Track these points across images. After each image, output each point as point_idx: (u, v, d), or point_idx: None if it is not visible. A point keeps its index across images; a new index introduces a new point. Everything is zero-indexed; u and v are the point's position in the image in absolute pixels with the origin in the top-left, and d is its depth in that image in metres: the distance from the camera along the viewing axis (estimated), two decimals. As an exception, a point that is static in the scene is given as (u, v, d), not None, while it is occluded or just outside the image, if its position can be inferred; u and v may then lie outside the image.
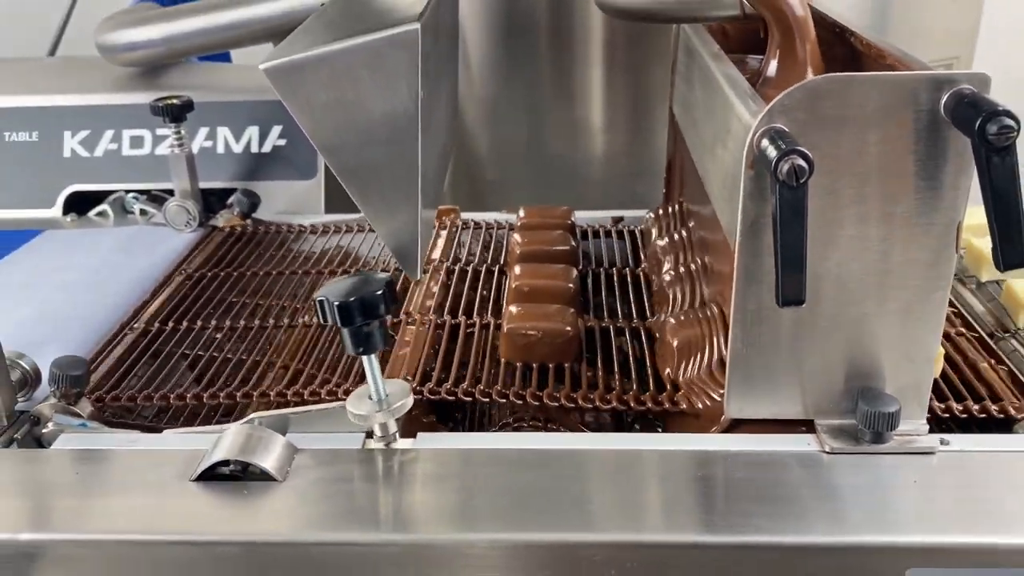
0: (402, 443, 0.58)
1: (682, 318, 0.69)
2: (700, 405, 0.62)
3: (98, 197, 1.00)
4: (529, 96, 1.16)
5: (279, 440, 0.57)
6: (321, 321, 0.54)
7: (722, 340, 0.63)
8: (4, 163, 1.01)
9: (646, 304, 0.78)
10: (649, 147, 1.15)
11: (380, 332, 0.55)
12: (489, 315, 0.76)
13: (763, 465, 0.54)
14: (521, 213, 0.91)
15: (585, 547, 0.49)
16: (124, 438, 0.60)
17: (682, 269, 0.76)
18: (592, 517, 0.51)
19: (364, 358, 0.56)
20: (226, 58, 1.25)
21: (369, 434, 0.58)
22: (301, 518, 0.52)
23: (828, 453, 0.55)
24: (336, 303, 0.53)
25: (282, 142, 0.99)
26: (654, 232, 0.86)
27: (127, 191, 1.00)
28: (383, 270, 0.86)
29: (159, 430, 0.62)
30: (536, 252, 0.82)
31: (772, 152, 0.47)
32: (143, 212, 0.99)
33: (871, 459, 0.54)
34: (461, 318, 0.75)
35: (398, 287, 0.81)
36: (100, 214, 0.98)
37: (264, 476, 0.55)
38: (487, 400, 0.65)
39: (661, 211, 0.89)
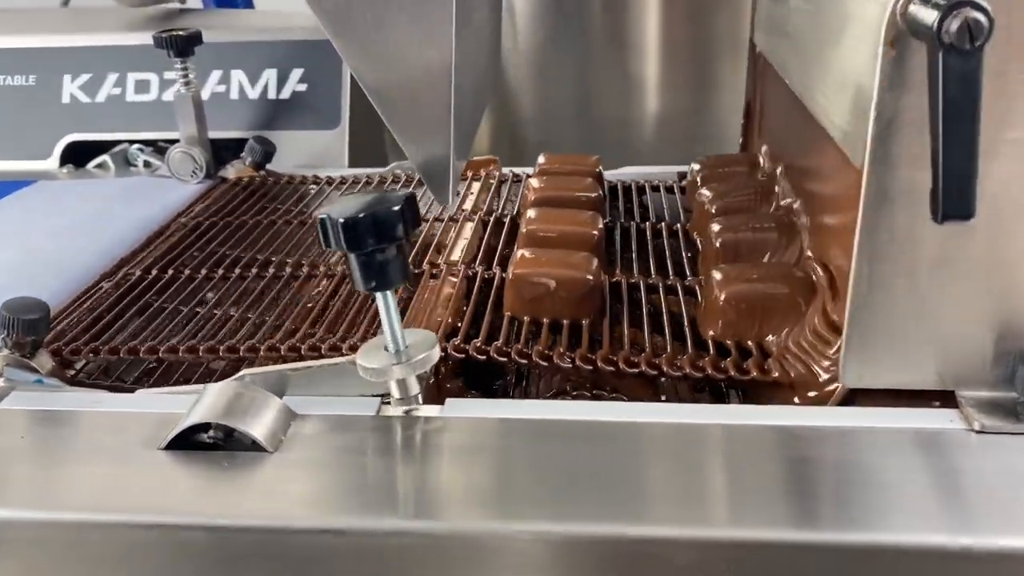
0: (426, 410, 0.46)
1: (754, 275, 0.56)
2: (800, 371, 0.49)
3: (99, 148, 0.90)
4: (578, 48, 1.04)
5: (273, 402, 0.46)
6: (323, 245, 0.42)
7: (828, 300, 0.50)
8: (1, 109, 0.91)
9: (685, 263, 0.66)
10: (712, 106, 1.03)
11: (398, 262, 0.43)
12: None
13: (888, 447, 0.42)
14: (541, 160, 0.79)
15: (652, 543, 0.37)
16: (86, 398, 0.49)
17: (763, 224, 0.63)
18: (660, 506, 0.39)
19: (378, 296, 0.44)
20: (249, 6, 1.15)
21: (385, 399, 0.47)
22: (292, 498, 0.40)
23: (979, 432, 0.42)
24: (341, 221, 0.41)
25: (302, 87, 0.88)
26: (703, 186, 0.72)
27: (131, 141, 0.89)
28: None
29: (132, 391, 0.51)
30: (553, 198, 0.70)
31: (930, 13, 0.34)
32: (147, 164, 0.88)
33: (1035, 442, 0.41)
34: (496, 269, 0.63)
35: (419, 241, 0.70)
36: (100, 166, 0.88)
37: (252, 446, 0.43)
38: (525, 362, 0.52)
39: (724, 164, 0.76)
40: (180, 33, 0.78)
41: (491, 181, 0.81)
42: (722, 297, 0.54)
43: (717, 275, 0.55)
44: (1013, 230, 0.41)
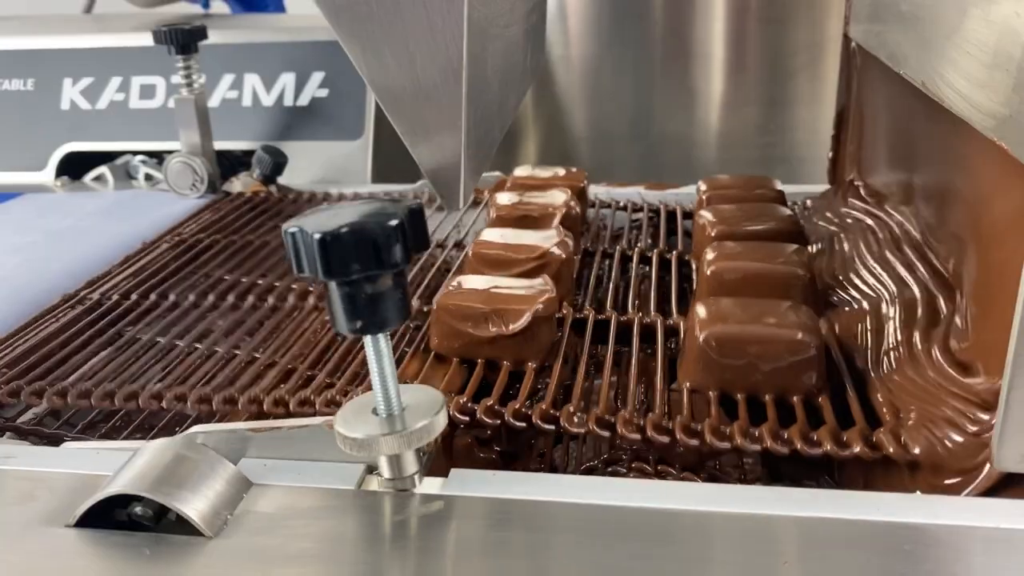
0: (424, 485, 0.34)
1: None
2: (928, 448, 0.36)
3: (98, 159, 0.81)
4: (636, 58, 0.92)
5: (223, 470, 0.35)
6: (295, 271, 0.31)
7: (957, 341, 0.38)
8: (-6, 116, 0.83)
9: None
10: (786, 124, 0.91)
11: (396, 295, 0.32)
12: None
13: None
14: (516, 172, 0.67)
15: None
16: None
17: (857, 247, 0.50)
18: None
19: (367, 340, 0.33)
20: (280, 9, 1.06)
21: (371, 468, 0.35)
22: (222, 611, 0.29)
23: None
24: (317, 237, 0.30)
25: (323, 92, 0.78)
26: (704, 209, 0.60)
27: (133, 152, 0.80)
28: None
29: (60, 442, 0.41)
30: (518, 217, 0.58)
31: None
32: (148, 178, 0.79)
33: None
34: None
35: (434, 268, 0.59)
36: (98, 178, 0.79)
37: (188, 528, 0.32)
38: (552, 428, 0.40)
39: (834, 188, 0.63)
40: (183, 26, 0.69)
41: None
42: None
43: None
44: None
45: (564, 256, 0.51)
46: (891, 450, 0.37)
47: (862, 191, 0.58)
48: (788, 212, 0.57)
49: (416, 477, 0.34)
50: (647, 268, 0.58)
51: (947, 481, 0.35)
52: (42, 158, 0.80)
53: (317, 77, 0.78)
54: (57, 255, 0.60)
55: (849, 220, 0.56)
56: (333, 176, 0.77)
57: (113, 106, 0.81)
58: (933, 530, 0.31)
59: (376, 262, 0.31)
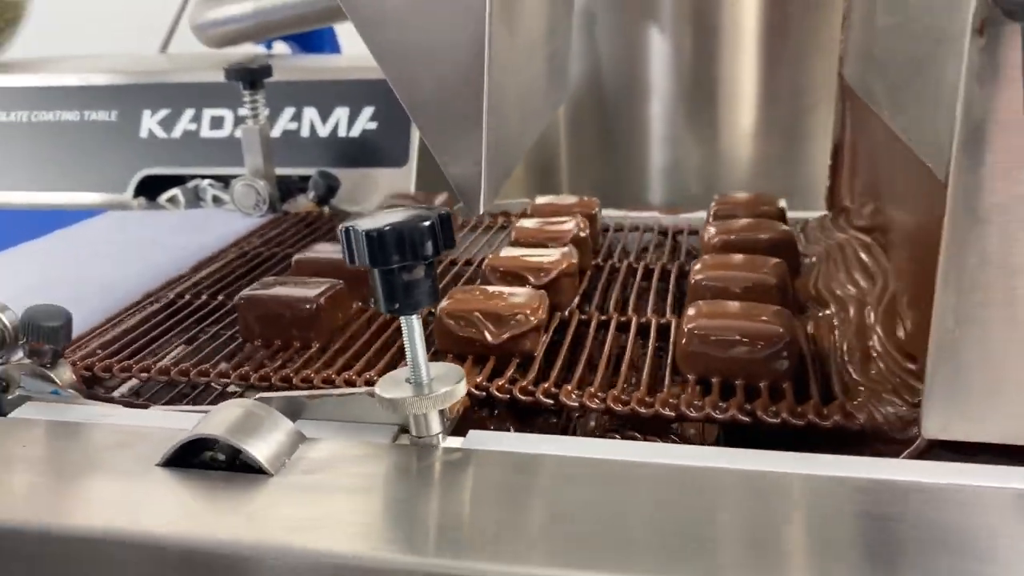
0: (447, 442, 0.42)
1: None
2: (872, 419, 0.43)
3: (171, 182, 0.90)
4: (665, 94, 1.00)
5: (283, 424, 0.42)
6: (347, 261, 0.39)
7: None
8: (81, 143, 0.93)
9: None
10: (806, 156, 0.97)
11: (427, 283, 0.40)
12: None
13: (971, 507, 0.35)
14: (539, 200, 0.75)
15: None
16: (97, 411, 0.47)
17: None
18: (716, 556, 0.33)
19: (403, 320, 0.40)
20: (335, 50, 1.16)
21: (404, 430, 0.43)
22: (280, 523, 0.36)
23: (1093, 498, 0.35)
24: (364, 232, 0.38)
25: (372, 125, 0.86)
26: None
27: (202, 176, 0.89)
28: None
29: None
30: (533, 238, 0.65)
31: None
32: (216, 200, 0.88)
33: None
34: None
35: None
36: (171, 199, 0.88)
37: (254, 468, 0.40)
38: (552, 403, 0.48)
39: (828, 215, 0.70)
40: (250, 66, 0.78)
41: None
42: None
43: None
44: None
45: (565, 267, 0.58)
46: (838, 419, 0.43)
47: (851, 216, 0.65)
48: (783, 227, 0.64)
49: (440, 436, 0.41)
50: (651, 280, 0.65)
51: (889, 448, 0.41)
52: (123, 181, 0.90)
53: (368, 111, 0.87)
54: (139, 260, 0.68)
55: (836, 241, 0.62)
56: (380, 199, 0.85)
57: (186, 135, 0.90)
58: (870, 484, 0.37)
59: (412, 254, 0.38)
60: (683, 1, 0.99)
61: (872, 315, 0.48)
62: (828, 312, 0.55)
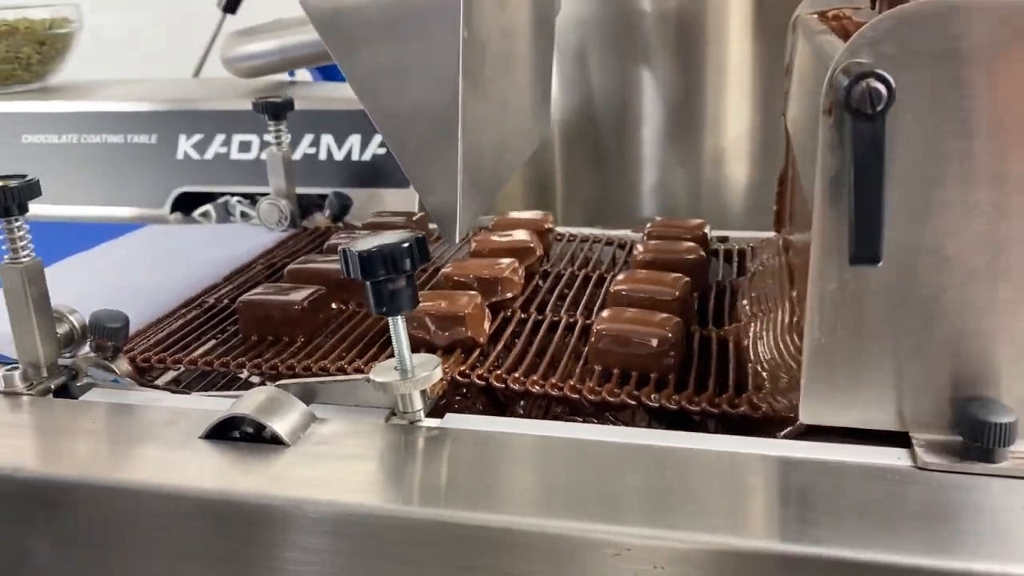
0: (428, 422, 0.52)
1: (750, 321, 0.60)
2: (770, 406, 0.53)
3: (204, 199, 1.02)
4: (652, 119, 1.11)
5: (299, 406, 0.53)
6: (345, 275, 0.50)
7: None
8: (124, 163, 1.04)
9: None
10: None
11: (408, 292, 0.51)
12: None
13: (841, 475, 0.45)
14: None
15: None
16: (150, 396, 0.58)
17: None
18: (622, 508, 0.43)
19: (390, 321, 0.51)
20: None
21: (394, 412, 0.53)
22: (299, 480, 0.47)
23: (921, 469, 0.45)
24: (357, 253, 0.49)
25: (381, 151, 0.97)
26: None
27: (232, 194, 1.01)
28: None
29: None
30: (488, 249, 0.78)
31: (843, 80, 0.39)
32: (244, 215, 0.99)
33: (975, 480, 0.44)
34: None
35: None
36: (203, 214, 1.00)
37: (276, 441, 0.50)
38: (518, 388, 0.58)
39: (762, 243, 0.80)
40: (276, 100, 0.90)
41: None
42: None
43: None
44: (954, 280, 0.45)
45: (507, 275, 0.70)
46: (726, 408, 0.54)
47: (785, 239, 0.75)
48: (700, 250, 0.75)
49: (421, 412, 0.52)
50: (587, 286, 0.76)
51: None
52: (161, 197, 1.01)
53: (378, 138, 0.97)
54: (178, 269, 0.79)
55: (771, 259, 0.73)
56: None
57: (217, 157, 1.01)
58: (756, 459, 0.48)
59: (394, 269, 0.49)
60: (669, 36, 1.10)
61: (784, 323, 0.59)
62: (747, 320, 0.65)
